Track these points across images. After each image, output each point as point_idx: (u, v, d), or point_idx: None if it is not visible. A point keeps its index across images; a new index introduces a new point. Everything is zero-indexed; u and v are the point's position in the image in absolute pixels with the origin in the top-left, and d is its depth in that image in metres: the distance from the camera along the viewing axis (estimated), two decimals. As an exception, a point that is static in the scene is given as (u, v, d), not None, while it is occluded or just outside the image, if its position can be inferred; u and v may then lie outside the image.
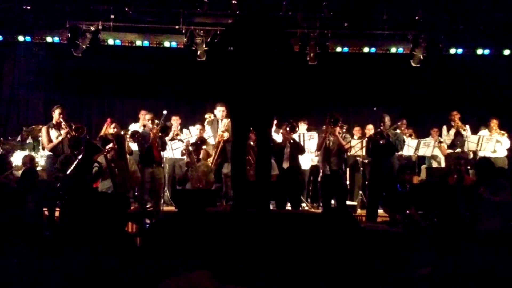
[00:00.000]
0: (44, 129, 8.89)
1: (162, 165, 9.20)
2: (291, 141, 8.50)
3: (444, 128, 10.58)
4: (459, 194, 6.96)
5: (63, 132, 8.76)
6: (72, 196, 6.36)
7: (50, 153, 8.83)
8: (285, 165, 8.47)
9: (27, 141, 10.49)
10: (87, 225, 3.67)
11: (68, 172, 7.12)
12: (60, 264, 2.91)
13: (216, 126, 9.47)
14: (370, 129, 9.76)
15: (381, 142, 8.37)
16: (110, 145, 8.28)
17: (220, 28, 10.57)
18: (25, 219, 5.81)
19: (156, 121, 9.15)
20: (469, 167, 9.41)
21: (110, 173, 8.00)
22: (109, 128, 9.42)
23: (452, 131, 10.19)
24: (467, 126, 10.30)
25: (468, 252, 3.34)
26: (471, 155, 10.01)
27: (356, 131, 10.70)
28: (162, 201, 9.08)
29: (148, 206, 8.42)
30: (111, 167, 8.02)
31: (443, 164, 10.57)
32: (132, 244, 3.79)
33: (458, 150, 10.18)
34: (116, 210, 3.65)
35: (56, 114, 8.90)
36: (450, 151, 10.39)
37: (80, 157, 7.39)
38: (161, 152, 9.05)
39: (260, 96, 4.91)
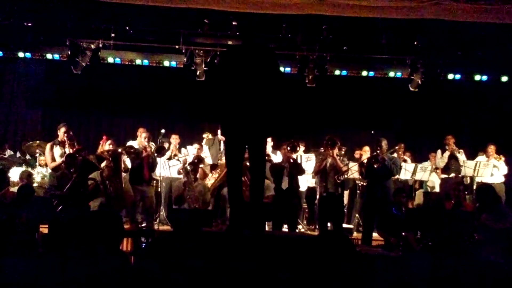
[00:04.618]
0: (48, 146, 8.84)
1: (152, 184, 9.19)
2: (291, 160, 8.43)
3: (439, 152, 10.48)
4: (457, 220, 6.92)
5: (67, 151, 8.71)
6: (68, 213, 6.33)
7: (51, 171, 8.83)
8: (284, 185, 8.39)
9: (19, 156, 10.49)
10: (81, 243, 3.65)
11: (64, 190, 7.10)
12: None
13: (218, 146, 9.45)
14: (366, 151, 9.76)
15: (375, 166, 8.36)
16: (105, 163, 8.27)
17: (220, 49, 10.61)
18: (18, 235, 5.79)
19: (151, 143, 9.12)
20: (466, 193, 9.39)
21: (104, 191, 7.96)
22: (104, 145, 9.39)
23: (446, 153, 10.14)
24: (461, 151, 10.27)
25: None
26: (468, 181, 10.00)
27: (358, 154, 10.67)
28: (157, 220, 9.03)
29: (143, 225, 8.38)
30: (106, 185, 7.98)
31: (437, 189, 10.54)
32: (126, 263, 3.76)
33: (452, 174, 10.16)
34: (110, 228, 3.63)
35: (61, 132, 8.89)
36: (444, 176, 10.34)
37: (75, 175, 7.38)
38: (151, 172, 9.00)
39: (252, 117, 4.98)
